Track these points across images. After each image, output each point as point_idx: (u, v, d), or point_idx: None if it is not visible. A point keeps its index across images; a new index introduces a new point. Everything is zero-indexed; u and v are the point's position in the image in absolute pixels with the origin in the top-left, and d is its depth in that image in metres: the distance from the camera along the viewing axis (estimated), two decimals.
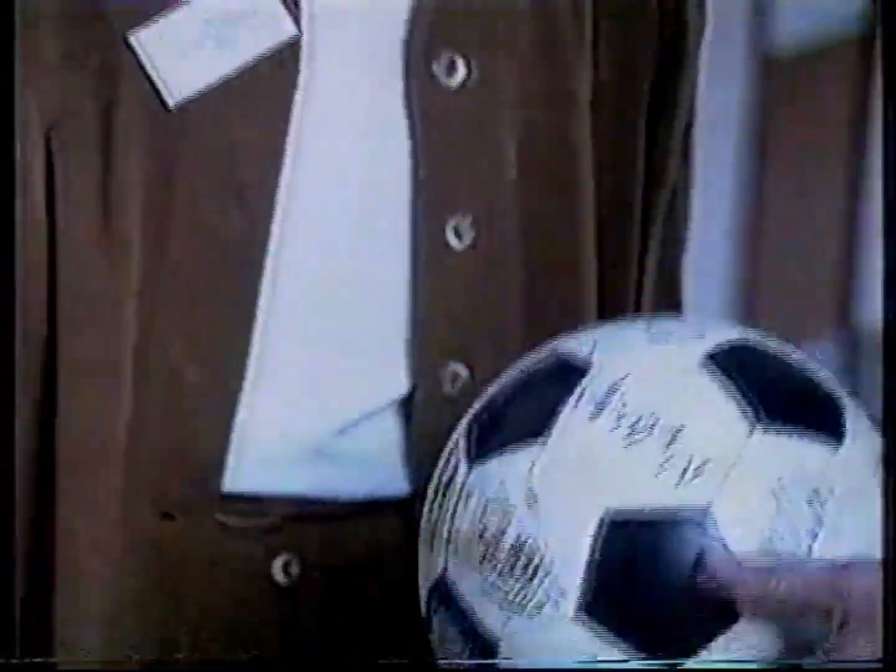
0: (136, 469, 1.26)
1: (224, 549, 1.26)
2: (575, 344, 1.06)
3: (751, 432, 0.97)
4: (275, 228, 1.25)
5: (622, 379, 1.01)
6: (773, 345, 1.05)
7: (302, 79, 1.25)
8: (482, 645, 1.00)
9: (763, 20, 3.67)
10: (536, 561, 0.98)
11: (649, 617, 0.97)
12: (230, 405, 1.27)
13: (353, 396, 1.31)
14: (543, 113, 1.32)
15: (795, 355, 1.05)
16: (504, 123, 1.31)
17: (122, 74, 1.25)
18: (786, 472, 0.97)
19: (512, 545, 0.98)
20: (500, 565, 0.98)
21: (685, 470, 0.97)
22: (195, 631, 1.25)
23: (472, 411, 1.08)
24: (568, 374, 1.03)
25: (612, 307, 1.35)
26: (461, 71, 1.27)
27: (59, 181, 1.25)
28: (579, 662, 0.99)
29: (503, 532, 0.98)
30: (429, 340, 1.30)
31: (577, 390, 1.01)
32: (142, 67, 1.24)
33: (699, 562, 0.96)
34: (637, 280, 1.37)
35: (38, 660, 1.23)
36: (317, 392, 1.31)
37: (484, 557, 0.99)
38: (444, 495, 1.04)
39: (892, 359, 1.03)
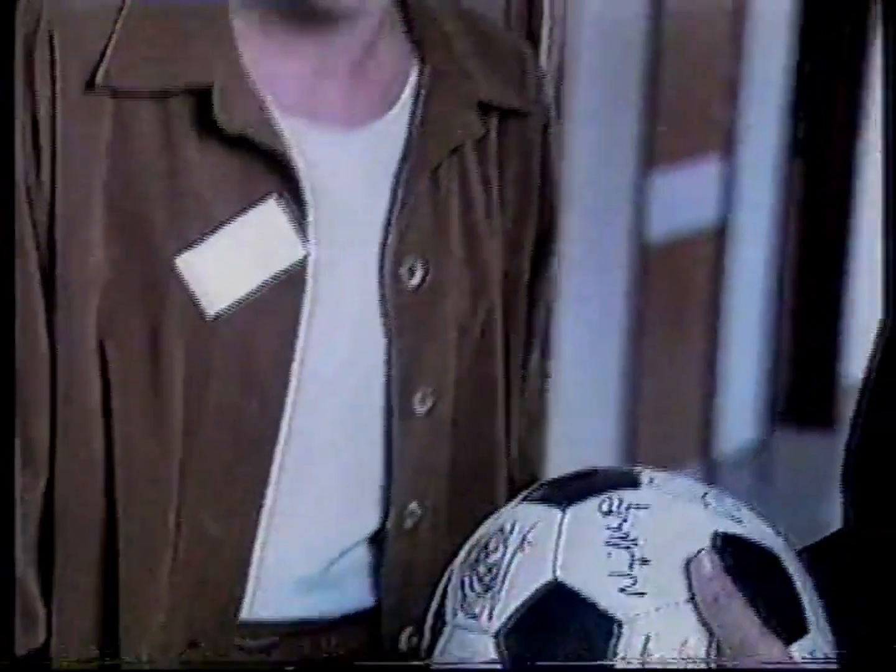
0: (174, 609, 1.37)
1: (238, 664, 1.41)
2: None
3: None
4: (287, 408, 1.36)
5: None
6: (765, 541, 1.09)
7: (308, 289, 1.36)
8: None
9: (640, 210, 4.03)
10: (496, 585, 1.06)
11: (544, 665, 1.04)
12: (245, 554, 1.38)
13: (340, 535, 1.43)
14: (472, 305, 1.45)
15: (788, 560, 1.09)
16: (449, 316, 1.43)
17: (168, 291, 1.33)
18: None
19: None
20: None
21: (633, 585, 1.03)
22: None
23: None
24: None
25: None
26: (419, 273, 1.41)
27: (116, 384, 1.34)
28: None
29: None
30: (397, 485, 1.41)
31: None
32: (184, 285, 1.34)
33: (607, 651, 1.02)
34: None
35: None
36: (312, 535, 1.42)
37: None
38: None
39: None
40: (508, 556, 1.07)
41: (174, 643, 1.37)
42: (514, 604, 1.05)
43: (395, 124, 1.44)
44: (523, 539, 1.07)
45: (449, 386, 1.44)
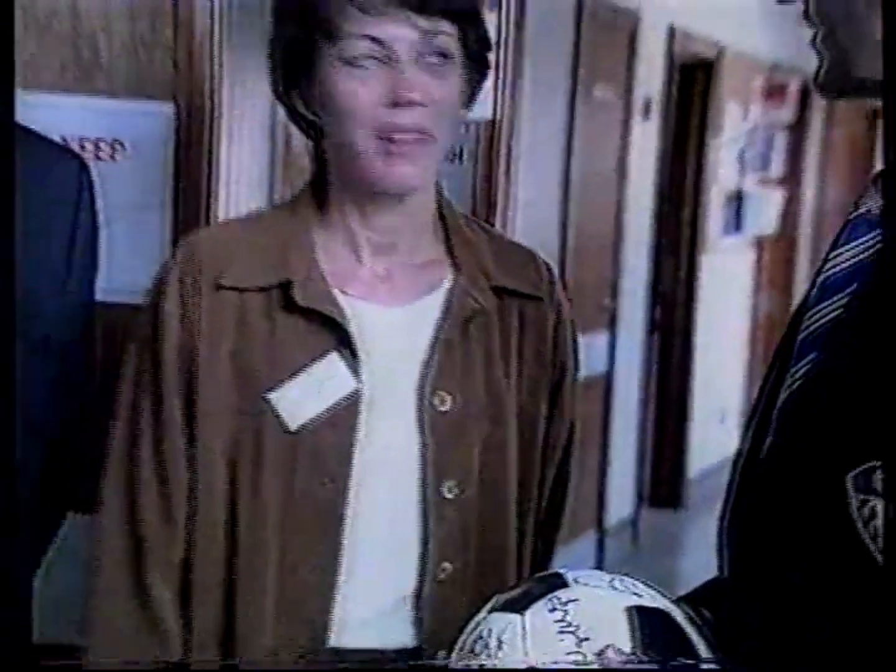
0: (278, 636, 1.50)
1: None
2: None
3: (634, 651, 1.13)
4: (350, 493, 1.48)
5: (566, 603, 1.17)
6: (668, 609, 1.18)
7: (362, 410, 1.49)
8: None
9: None
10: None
11: None
12: (331, 594, 1.49)
13: (391, 585, 1.52)
14: (491, 428, 1.53)
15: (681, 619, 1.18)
16: (472, 429, 1.52)
17: (265, 415, 1.48)
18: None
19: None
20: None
21: (585, 658, 1.13)
22: None
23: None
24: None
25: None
26: (448, 402, 1.51)
27: (242, 481, 1.48)
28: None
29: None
30: (432, 551, 1.50)
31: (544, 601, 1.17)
32: (275, 411, 1.48)
33: None
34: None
35: None
36: (372, 585, 1.51)
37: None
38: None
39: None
40: (492, 653, 1.17)
41: (282, 659, 1.50)
42: None
43: (430, 305, 1.54)
44: (499, 641, 1.16)
45: (472, 481, 1.52)
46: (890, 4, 1.04)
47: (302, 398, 1.48)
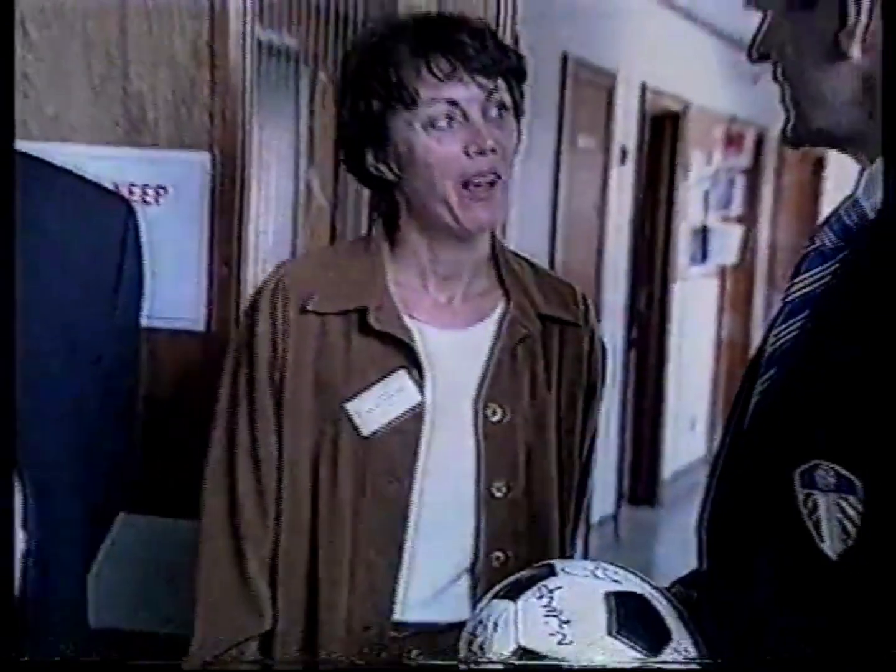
0: (351, 609, 1.52)
1: (392, 647, 1.53)
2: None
3: (609, 634, 1.12)
4: (415, 489, 1.51)
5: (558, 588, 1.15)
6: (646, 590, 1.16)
7: (426, 419, 1.51)
8: None
9: None
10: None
11: None
12: (395, 576, 1.52)
13: (449, 569, 1.54)
14: (535, 435, 1.56)
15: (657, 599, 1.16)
16: (519, 437, 1.54)
17: (342, 422, 1.51)
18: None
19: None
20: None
21: (564, 639, 1.12)
22: None
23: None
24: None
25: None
26: (499, 413, 1.53)
27: (322, 478, 1.52)
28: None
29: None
30: (484, 541, 1.53)
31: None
32: (351, 419, 1.50)
33: None
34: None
35: None
36: (432, 568, 1.54)
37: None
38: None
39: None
40: (489, 636, 1.17)
41: (354, 628, 1.52)
42: (498, 666, 1.15)
43: (484, 329, 1.56)
44: (495, 624, 1.16)
45: (520, 480, 1.54)
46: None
47: (374, 408, 1.50)
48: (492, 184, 1.49)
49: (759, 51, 1.13)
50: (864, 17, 1.05)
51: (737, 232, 7.11)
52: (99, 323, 1.46)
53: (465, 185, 1.48)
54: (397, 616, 1.53)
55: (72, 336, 1.39)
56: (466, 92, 1.48)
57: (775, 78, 1.12)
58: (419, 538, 1.52)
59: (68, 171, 1.48)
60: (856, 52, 1.06)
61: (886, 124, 1.04)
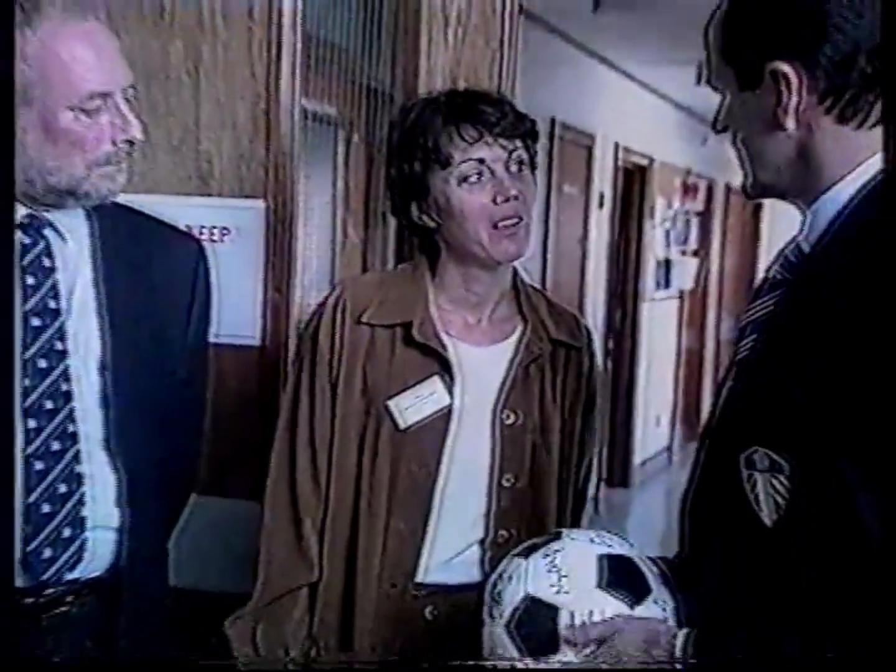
0: (383, 567, 1.52)
1: (412, 603, 1.53)
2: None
3: (599, 586, 1.12)
4: (441, 475, 1.51)
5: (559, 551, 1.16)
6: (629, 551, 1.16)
7: (453, 418, 1.51)
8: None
9: None
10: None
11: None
12: (419, 544, 1.52)
13: (462, 541, 1.53)
14: (541, 438, 1.55)
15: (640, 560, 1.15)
16: (528, 438, 1.53)
17: (384, 417, 1.50)
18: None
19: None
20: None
21: (562, 589, 1.12)
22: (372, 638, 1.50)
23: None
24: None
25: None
26: (513, 418, 1.52)
27: (364, 463, 1.51)
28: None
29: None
30: (492, 521, 1.53)
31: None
32: (392, 414, 1.50)
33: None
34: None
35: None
36: (448, 539, 1.53)
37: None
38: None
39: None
40: (505, 585, 1.17)
41: (384, 585, 1.52)
42: (510, 608, 1.14)
43: (505, 348, 1.55)
44: (510, 577, 1.16)
45: (526, 472, 1.53)
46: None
47: (410, 406, 1.49)
48: (515, 224, 1.50)
49: (720, 124, 1.14)
50: (794, 97, 1.05)
51: (693, 263, 7.14)
52: (175, 341, 1.45)
53: (495, 226, 1.49)
54: (419, 578, 1.52)
55: (156, 351, 1.40)
56: (491, 152, 1.49)
57: (734, 144, 1.13)
58: (440, 515, 1.51)
59: (151, 216, 1.49)
60: (790, 124, 1.07)
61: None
